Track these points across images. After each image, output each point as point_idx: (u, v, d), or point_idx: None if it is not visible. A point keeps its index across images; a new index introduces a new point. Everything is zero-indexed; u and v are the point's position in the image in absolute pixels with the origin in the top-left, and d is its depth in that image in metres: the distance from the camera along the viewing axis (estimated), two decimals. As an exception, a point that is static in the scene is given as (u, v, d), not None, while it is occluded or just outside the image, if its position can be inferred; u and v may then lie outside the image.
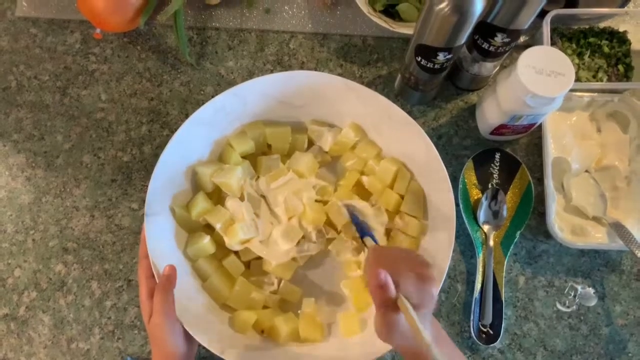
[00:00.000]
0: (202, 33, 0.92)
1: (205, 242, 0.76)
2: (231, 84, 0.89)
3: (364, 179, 0.81)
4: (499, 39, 0.74)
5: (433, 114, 0.89)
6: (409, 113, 0.81)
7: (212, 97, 0.77)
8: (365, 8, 0.86)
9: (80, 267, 0.83)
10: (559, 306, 0.83)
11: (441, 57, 0.73)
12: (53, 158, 0.87)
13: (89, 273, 0.83)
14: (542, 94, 0.71)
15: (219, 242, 0.78)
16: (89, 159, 0.87)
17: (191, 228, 0.78)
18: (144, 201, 0.73)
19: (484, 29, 0.74)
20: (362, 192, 0.82)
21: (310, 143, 0.84)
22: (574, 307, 0.83)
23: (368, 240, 0.74)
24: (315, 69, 0.90)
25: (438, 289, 0.60)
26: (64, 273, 0.83)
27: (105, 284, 0.83)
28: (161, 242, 0.74)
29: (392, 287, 0.57)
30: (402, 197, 0.80)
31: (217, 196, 0.81)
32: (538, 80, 0.71)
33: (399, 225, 0.79)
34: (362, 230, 0.76)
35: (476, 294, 0.81)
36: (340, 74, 0.89)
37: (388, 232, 0.80)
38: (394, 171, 0.80)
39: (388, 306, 0.57)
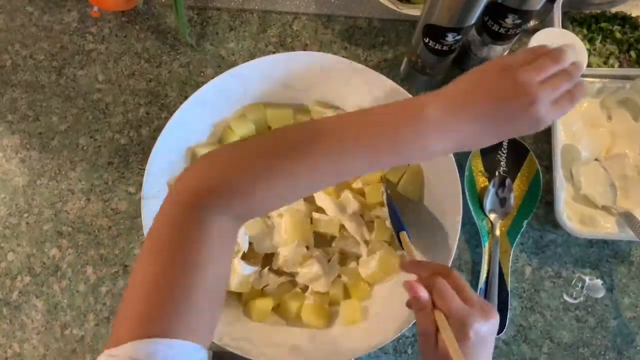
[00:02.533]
0: (202, 13, 0.89)
1: None
2: (232, 65, 0.85)
3: None
4: (509, 20, 0.71)
5: (439, 100, 0.86)
6: (415, 97, 0.79)
7: (213, 79, 0.75)
8: (371, -11, 0.83)
9: (75, 251, 0.81)
10: (565, 297, 0.81)
11: (450, 38, 0.70)
12: (48, 140, 0.85)
13: (84, 258, 0.81)
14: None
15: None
16: (85, 141, 0.85)
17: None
18: (141, 185, 0.71)
19: (495, 9, 0.71)
20: None
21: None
22: (582, 298, 0.81)
23: (403, 235, 0.68)
24: (319, 51, 0.88)
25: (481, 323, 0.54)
26: (59, 257, 0.81)
27: (101, 269, 0.80)
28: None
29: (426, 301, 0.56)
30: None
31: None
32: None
33: (379, 214, 0.78)
34: (399, 223, 0.71)
35: (481, 284, 0.79)
36: (344, 57, 0.87)
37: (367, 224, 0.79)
38: None
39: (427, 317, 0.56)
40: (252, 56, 0.88)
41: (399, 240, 0.69)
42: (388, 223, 0.77)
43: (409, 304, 0.60)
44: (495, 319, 0.55)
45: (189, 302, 0.44)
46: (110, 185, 0.83)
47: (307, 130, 0.51)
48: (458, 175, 0.73)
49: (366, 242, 0.78)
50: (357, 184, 0.79)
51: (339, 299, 0.76)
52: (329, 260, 0.76)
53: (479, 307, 0.55)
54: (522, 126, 0.51)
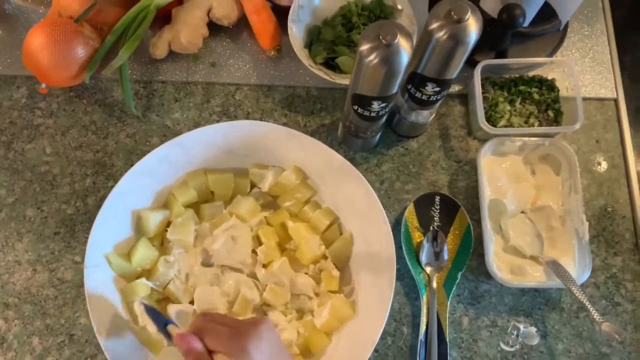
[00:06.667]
0: (148, 86, 0.94)
1: (141, 282, 0.76)
2: (177, 134, 0.89)
3: (290, 224, 0.83)
4: (430, 88, 0.77)
5: (375, 160, 0.92)
6: (352, 160, 0.83)
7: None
8: (306, 61, 0.89)
9: (21, 322, 0.81)
10: (502, 346, 0.84)
11: (376, 105, 0.76)
12: (-5, 212, 0.86)
13: (30, 329, 0.81)
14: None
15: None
16: (32, 213, 0.86)
17: (131, 276, 0.77)
18: (85, 253, 0.73)
19: (416, 79, 0.77)
20: (285, 235, 0.83)
21: (253, 187, 0.86)
22: (517, 346, 0.84)
23: (172, 328, 0.65)
24: (261, 119, 0.93)
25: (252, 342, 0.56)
26: (5, 329, 0.81)
27: (47, 339, 0.81)
28: (102, 294, 0.74)
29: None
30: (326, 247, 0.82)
31: (160, 239, 0.81)
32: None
33: (323, 267, 0.81)
34: (162, 321, 0.66)
35: (421, 336, 0.82)
36: (285, 124, 0.92)
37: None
38: (326, 224, 0.83)
39: None
40: (197, 125, 0.92)
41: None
42: (335, 272, 0.80)
43: None
44: (265, 324, 0.58)
45: None
46: (57, 255, 0.84)
47: None
48: (391, 231, 0.77)
49: (316, 295, 0.81)
50: (290, 245, 0.83)
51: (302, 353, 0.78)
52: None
53: (245, 326, 0.57)
54: None
